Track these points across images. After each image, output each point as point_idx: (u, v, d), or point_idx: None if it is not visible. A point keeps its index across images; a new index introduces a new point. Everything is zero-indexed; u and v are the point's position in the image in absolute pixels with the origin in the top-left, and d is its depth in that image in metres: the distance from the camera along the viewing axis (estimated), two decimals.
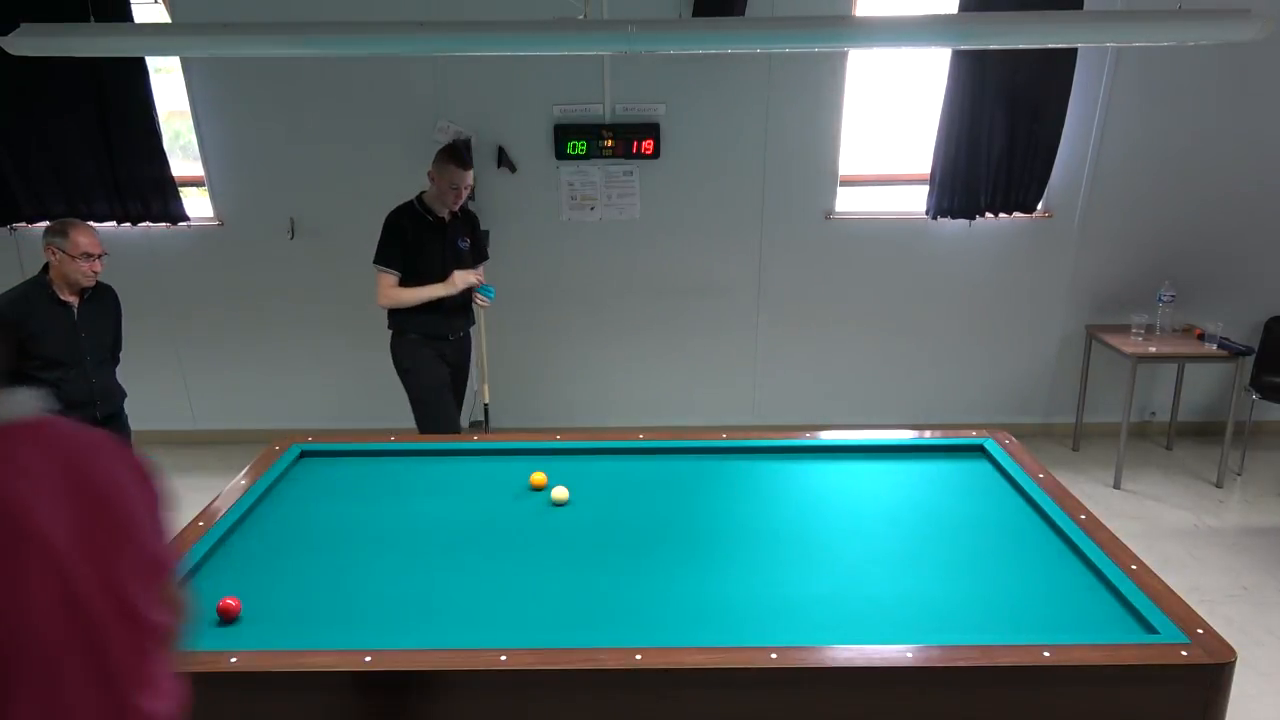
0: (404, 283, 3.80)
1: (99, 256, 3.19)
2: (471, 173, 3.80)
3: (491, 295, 4.00)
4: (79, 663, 1.26)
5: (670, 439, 3.19)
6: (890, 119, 5.03)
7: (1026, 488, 2.80)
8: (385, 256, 3.77)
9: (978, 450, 3.12)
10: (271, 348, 5.20)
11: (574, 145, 4.75)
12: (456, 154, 3.75)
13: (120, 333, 3.44)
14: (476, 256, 4.09)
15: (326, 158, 4.82)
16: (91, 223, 4.79)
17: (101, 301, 3.32)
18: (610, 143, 4.74)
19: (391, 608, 2.28)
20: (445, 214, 3.84)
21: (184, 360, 5.20)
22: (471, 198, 4.75)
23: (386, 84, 4.69)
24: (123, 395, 3.47)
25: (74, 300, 3.19)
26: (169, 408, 5.28)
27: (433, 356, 3.97)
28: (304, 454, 3.14)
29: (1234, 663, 2.00)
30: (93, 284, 3.20)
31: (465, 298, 3.98)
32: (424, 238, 3.80)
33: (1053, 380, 5.30)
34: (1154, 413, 5.36)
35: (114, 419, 3.44)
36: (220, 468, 4.93)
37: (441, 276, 3.84)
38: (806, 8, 4.47)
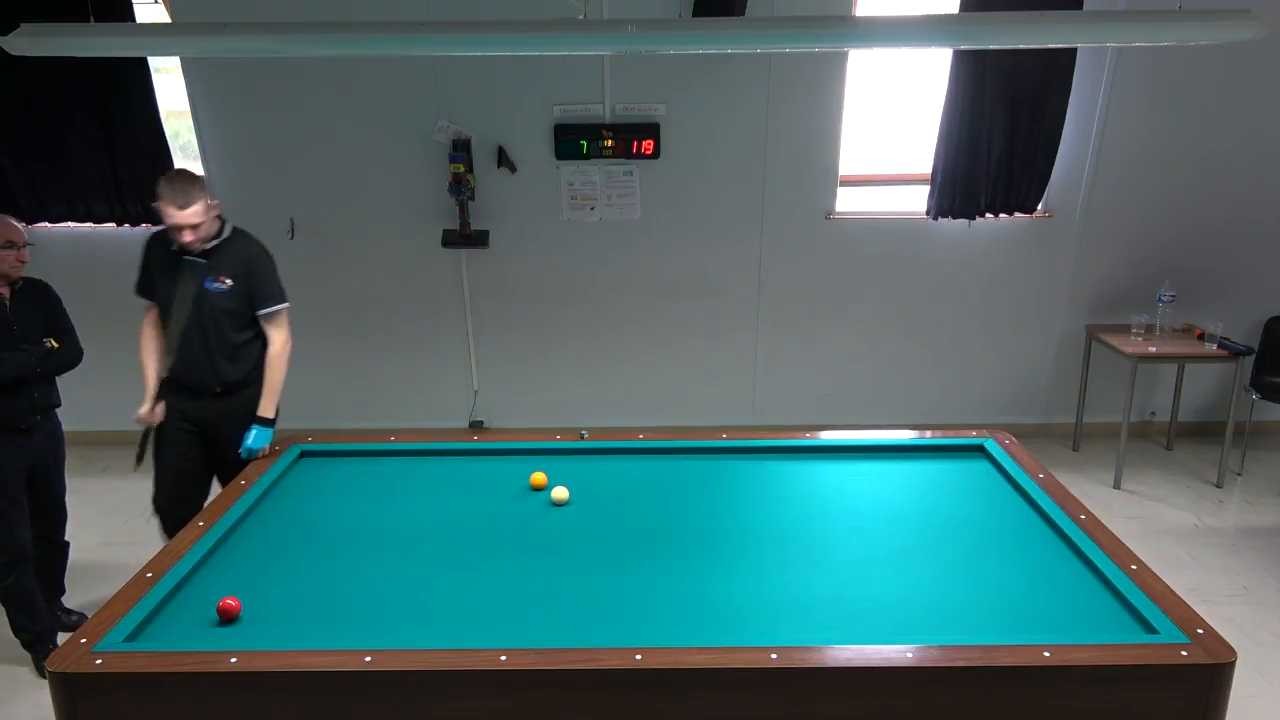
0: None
1: (22, 247, 3.16)
2: (190, 210, 3.01)
3: (254, 446, 3.14)
4: None
5: (670, 439, 3.19)
6: (890, 119, 5.03)
7: (1026, 488, 2.80)
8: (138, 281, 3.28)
9: (978, 450, 3.12)
10: None
11: (574, 145, 4.75)
12: (166, 182, 3.03)
13: (61, 326, 3.33)
14: (240, 300, 3.20)
15: (326, 158, 4.82)
16: (90, 222, 4.83)
17: (34, 295, 3.27)
18: (610, 143, 4.73)
19: (391, 608, 2.29)
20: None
21: None
22: (471, 197, 4.78)
23: (386, 84, 4.69)
24: (57, 403, 3.39)
25: (5, 292, 3.18)
26: None
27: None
28: (304, 454, 3.15)
29: (1234, 663, 2.00)
30: (18, 274, 3.18)
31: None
32: (163, 267, 3.20)
33: (1053, 380, 5.30)
34: (1154, 413, 5.36)
35: (48, 414, 3.35)
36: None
37: (177, 320, 3.17)
38: (806, 8, 4.47)
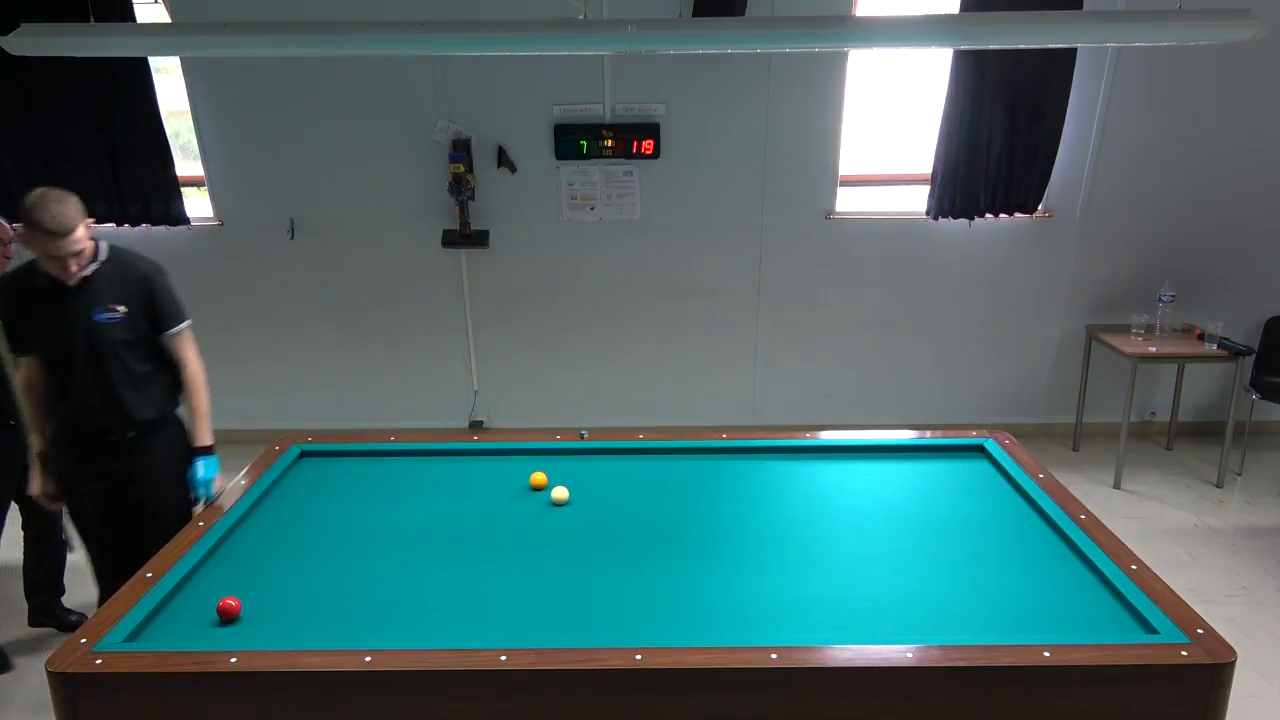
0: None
1: (7, 243, 3.17)
2: (75, 236, 2.58)
3: (208, 477, 2.89)
4: None
5: (670, 439, 3.19)
6: (890, 119, 5.03)
7: (1026, 488, 2.80)
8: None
9: (978, 450, 3.12)
10: (271, 348, 5.20)
11: (574, 145, 4.74)
12: (39, 208, 2.54)
13: None
14: (137, 327, 2.79)
15: (326, 158, 4.82)
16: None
17: None
18: (610, 143, 4.73)
19: (391, 608, 2.29)
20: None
21: None
22: (471, 197, 4.78)
23: (386, 84, 4.69)
24: None
25: None
26: None
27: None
28: (304, 454, 3.15)
29: (1234, 663, 2.00)
30: (2, 270, 3.16)
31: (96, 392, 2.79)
32: (37, 310, 2.73)
33: (1053, 380, 5.30)
34: (1154, 413, 5.36)
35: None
36: (220, 468, 4.93)
37: (65, 363, 2.74)
38: (806, 8, 4.47)
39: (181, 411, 3.01)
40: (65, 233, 2.56)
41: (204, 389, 2.96)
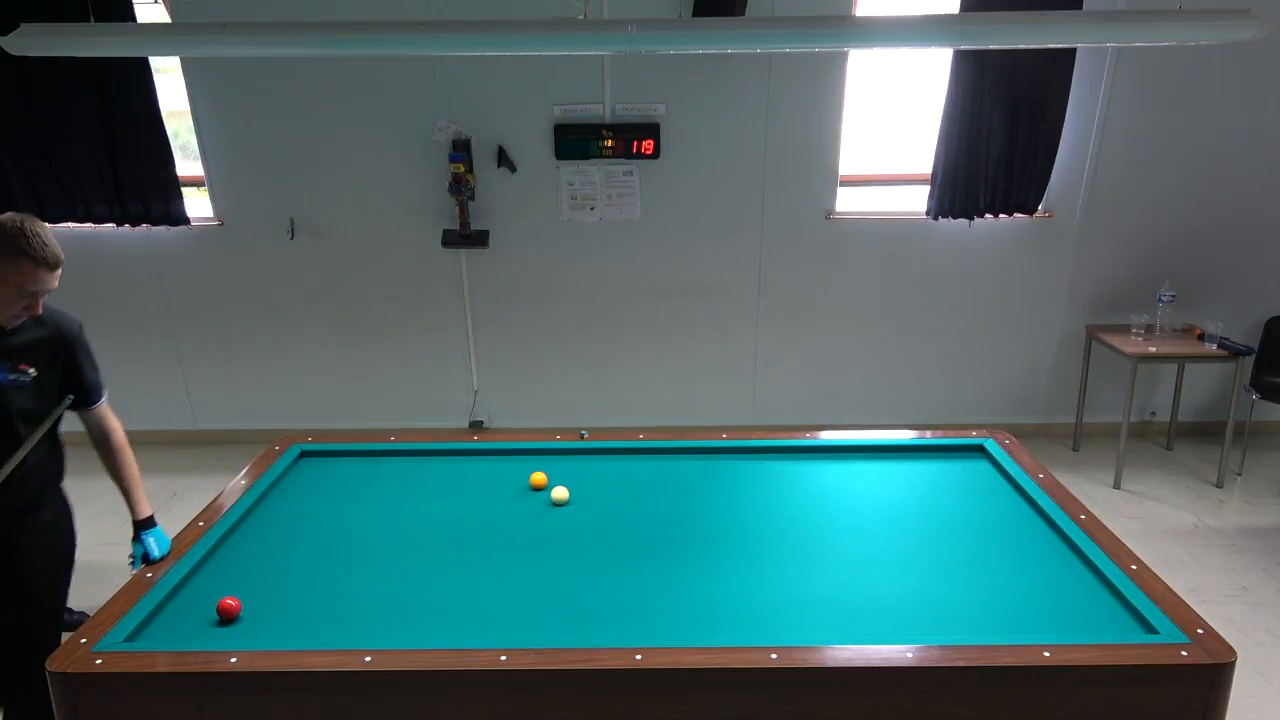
0: None
1: None
2: (59, 272, 2.27)
3: (162, 555, 2.45)
4: None
5: (670, 439, 3.19)
6: (890, 119, 5.03)
7: (1026, 488, 2.80)
8: None
9: (978, 450, 3.12)
10: (271, 348, 5.20)
11: (574, 145, 4.74)
12: (32, 236, 2.19)
13: None
14: (45, 396, 2.41)
15: (326, 158, 4.82)
16: (90, 222, 4.83)
17: None
18: (610, 143, 4.73)
19: (391, 608, 2.29)
20: None
21: (184, 360, 5.20)
22: (471, 197, 4.78)
23: (386, 84, 4.69)
24: None
25: None
26: (169, 408, 5.29)
27: None
28: (304, 454, 3.15)
29: (1234, 663, 2.00)
30: None
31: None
32: None
33: (1053, 380, 5.30)
34: (1154, 413, 5.36)
35: None
36: (220, 468, 4.94)
37: None
38: (806, 8, 4.47)
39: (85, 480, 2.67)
40: (58, 264, 2.24)
41: (132, 454, 2.63)
